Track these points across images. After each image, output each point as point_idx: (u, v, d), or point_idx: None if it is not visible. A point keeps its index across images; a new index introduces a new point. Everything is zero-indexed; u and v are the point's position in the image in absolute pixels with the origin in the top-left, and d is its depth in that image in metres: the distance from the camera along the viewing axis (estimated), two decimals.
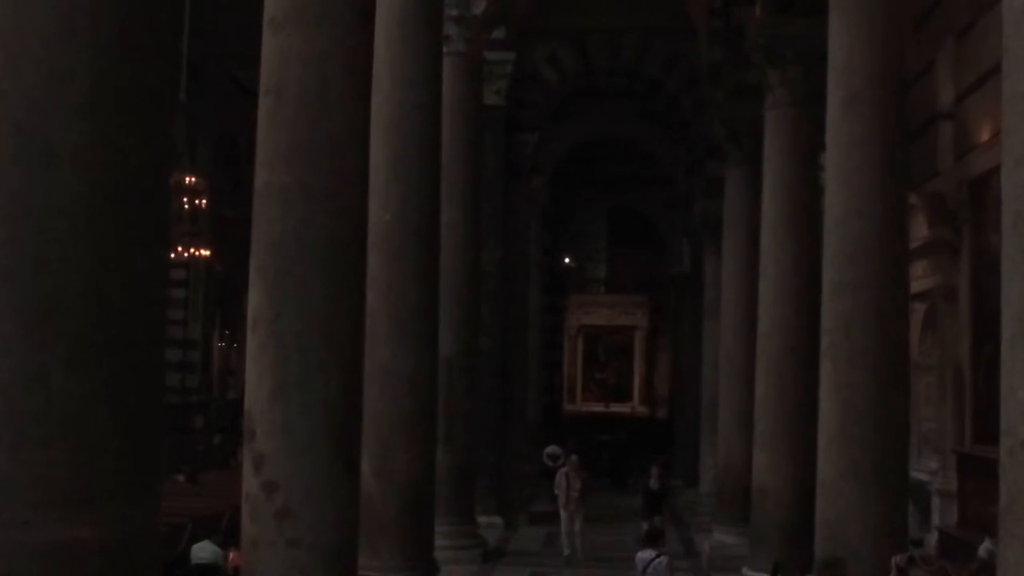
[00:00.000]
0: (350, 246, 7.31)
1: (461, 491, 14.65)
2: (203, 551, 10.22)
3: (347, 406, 7.28)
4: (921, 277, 13.11)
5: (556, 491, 15.83)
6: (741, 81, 14.70)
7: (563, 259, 33.69)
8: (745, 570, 12.96)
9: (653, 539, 10.24)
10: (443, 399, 13.99)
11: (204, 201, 19.38)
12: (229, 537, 9.98)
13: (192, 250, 21.75)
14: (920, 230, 12.86)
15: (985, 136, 11.77)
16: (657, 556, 9.85)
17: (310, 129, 7.23)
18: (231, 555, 9.30)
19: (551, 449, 22.01)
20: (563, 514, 15.55)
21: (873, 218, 7.16)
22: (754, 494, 11.51)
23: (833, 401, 7.14)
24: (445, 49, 14.24)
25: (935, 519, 12.85)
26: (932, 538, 12.72)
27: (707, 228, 19.35)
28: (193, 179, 19.87)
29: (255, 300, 7.33)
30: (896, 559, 7.10)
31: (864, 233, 7.15)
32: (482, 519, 16.47)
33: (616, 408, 33.13)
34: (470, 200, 15.09)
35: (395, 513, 10.92)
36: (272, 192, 7.33)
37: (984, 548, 7.96)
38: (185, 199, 19.50)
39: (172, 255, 22.38)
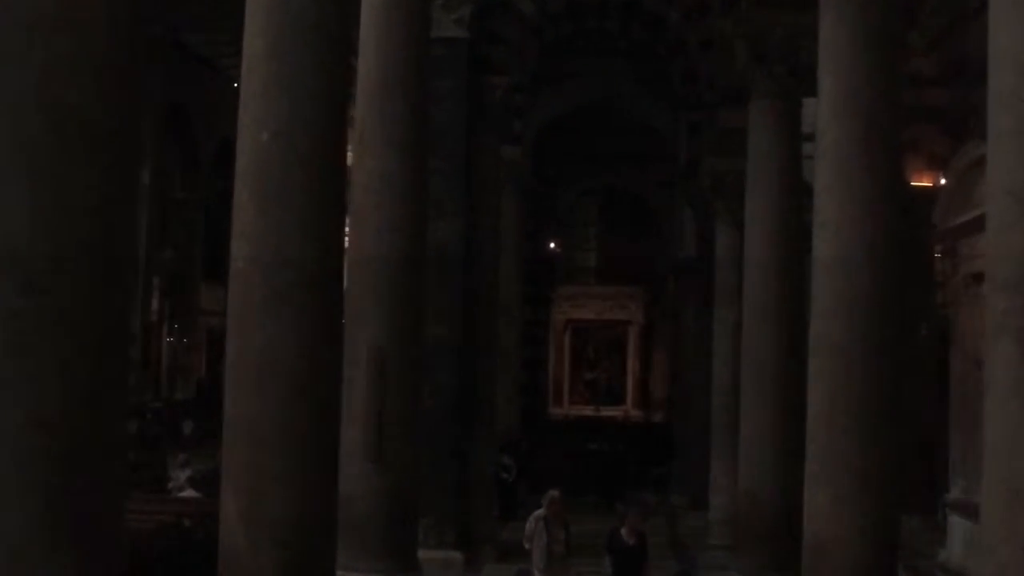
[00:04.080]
0: (91, 120, 3.78)
1: (398, 524, 11.00)
2: None
3: (83, 428, 3.82)
4: None
5: (526, 544, 11.29)
6: None
7: (548, 245, 31.11)
8: None
9: None
10: (373, 403, 10.65)
11: None
12: None
13: None
14: None
15: None
16: None
17: None
18: None
19: (505, 459, 19.08)
20: None
21: None
22: (807, 548, 7.85)
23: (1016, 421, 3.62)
24: None
25: None
26: None
27: (719, 193, 15.79)
28: None
29: None
30: None
31: None
32: (435, 555, 13.19)
33: (607, 412, 30.82)
34: (414, 144, 11.40)
35: (273, 574, 7.36)
36: None
37: None
38: None
39: None
